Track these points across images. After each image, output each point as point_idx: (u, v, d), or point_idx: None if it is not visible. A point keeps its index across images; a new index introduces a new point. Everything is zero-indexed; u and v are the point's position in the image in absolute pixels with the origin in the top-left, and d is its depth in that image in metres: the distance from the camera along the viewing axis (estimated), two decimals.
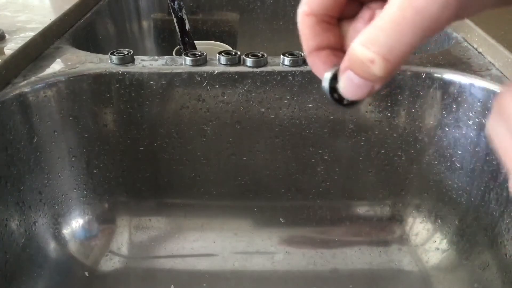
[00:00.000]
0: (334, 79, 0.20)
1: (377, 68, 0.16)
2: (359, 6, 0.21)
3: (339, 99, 0.20)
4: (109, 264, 0.51)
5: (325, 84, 0.20)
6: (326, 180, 0.54)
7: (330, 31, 0.21)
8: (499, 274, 0.44)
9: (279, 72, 0.48)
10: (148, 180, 0.54)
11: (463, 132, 0.47)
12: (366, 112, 0.50)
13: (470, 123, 0.46)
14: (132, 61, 0.48)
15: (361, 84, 0.18)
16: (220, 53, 0.48)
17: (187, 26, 0.64)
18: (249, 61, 0.48)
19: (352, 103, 0.20)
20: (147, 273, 0.51)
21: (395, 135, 0.51)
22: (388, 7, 0.16)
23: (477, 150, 0.46)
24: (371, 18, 0.20)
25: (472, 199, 0.48)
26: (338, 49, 0.21)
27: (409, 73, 0.47)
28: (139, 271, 0.51)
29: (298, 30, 0.21)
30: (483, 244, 0.47)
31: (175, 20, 0.64)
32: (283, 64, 0.48)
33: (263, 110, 0.50)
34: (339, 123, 0.50)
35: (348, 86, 0.18)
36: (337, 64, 0.20)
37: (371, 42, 0.16)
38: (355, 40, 0.17)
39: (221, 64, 0.48)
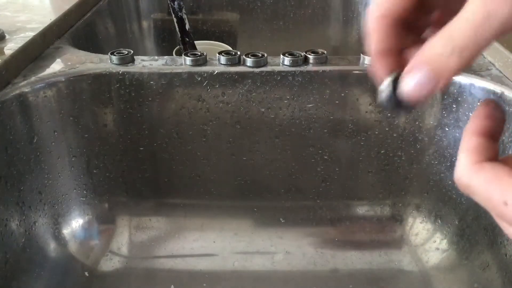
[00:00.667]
0: (394, 85, 0.21)
1: (454, 61, 0.18)
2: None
3: (396, 104, 0.21)
4: (109, 264, 0.51)
5: (386, 87, 0.21)
6: (326, 180, 0.54)
7: (402, 35, 0.22)
8: (499, 274, 0.44)
9: (279, 72, 0.48)
10: (148, 180, 0.54)
11: (463, 132, 0.47)
12: (366, 112, 0.50)
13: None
14: (132, 61, 0.48)
15: (429, 80, 0.19)
16: (220, 53, 0.48)
17: (187, 26, 0.64)
18: (249, 61, 0.48)
19: (407, 108, 0.21)
20: (147, 273, 0.51)
21: (395, 135, 0.51)
22: (462, 12, 0.18)
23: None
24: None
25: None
26: (404, 53, 0.22)
27: None
28: (139, 271, 0.51)
29: (367, 30, 0.21)
30: (483, 244, 0.47)
31: (175, 20, 0.64)
32: (283, 64, 0.48)
33: (263, 110, 0.50)
34: (339, 123, 0.50)
35: (414, 84, 0.19)
36: (396, 71, 0.21)
37: (449, 38, 0.18)
38: (431, 38, 0.18)
39: (221, 64, 0.48)
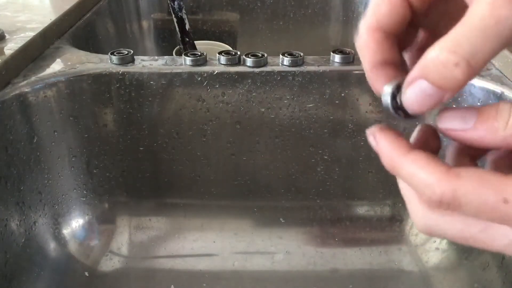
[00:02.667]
0: (395, 93, 0.19)
1: (460, 72, 0.16)
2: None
3: (400, 113, 0.20)
4: (109, 264, 0.51)
5: (386, 97, 0.20)
6: (326, 180, 0.54)
7: (395, 48, 0.21)
8: (499, 274, 0.44)
9: (279, 72, 0.48)
10: (148, 180, 0.54)
11: None
12: (366, 112, 0.50)
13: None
14: (132, 61, 0.49)
15: (433, 93, 0.17)
16: (220, 53, 0.48)
17: (187, 26, 0.64)
18: (249, 61, 0.48)
19: (413, 117, 0.20)
20: (147, 273, 0.51)
21: None
22: (468, 16, 0.16)
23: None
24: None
25: None
26: (400, 67, 0.21)
27: None
28: (139, 271, 0.51)
29: (359, 44, 0.21)
30: None
31: (175, 20, 0.64)
32: (283, 64, 0.48)
33: (263, 110, 0.50)
34: (339, 123, 0.50)
35: (417, 97, 0.18)
36: (395, 79, 0.20)
37: (455, 46, 0.16)
38: (430, 48, 0.17)
39: (221, 64, 0.48)
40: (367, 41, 0.20)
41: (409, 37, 0.22)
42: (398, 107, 0.19)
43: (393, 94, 0.20)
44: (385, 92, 0.20)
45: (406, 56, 0.22)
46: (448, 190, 0.17)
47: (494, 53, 0.16)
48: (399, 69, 0.21)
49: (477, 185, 0.16)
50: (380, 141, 0.19)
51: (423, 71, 0.17)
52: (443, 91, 0.17)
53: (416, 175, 0.18)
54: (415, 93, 0.18)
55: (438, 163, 0.17)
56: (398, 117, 0.20)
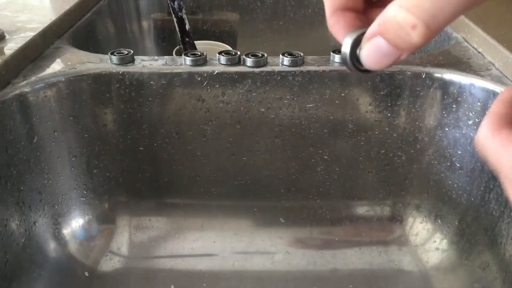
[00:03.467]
0: (355, 45, 0.19)
1: (417, 35, 0.16)
2: None
3: (357, 66, 0.19)
4: (109, 264, 0.51)
5: (346, 49, 0.19)
6: (326, 180, 0.54)
7: None
8: (499, 274, 0.44)
9: (279, 72, 0.48)
10: (148, 180, 0.54)
11: (463, 132, 0.47)
12: (366, 112, 0.50)
13: (470, 123, 0.46)
14: (132, 61, 0.49)
15: (389, 52, 0.17)
16: (220, 53, 0.48)
17: (187, 26, 0.64)
18: (249, 61, 0.48)
19: (368, 71, 0.19)
20: (147, 273, 0.51)
21: (395, 135, 0.51)
22: None
23: (477, 150, 0.46)
24: None
25: (472, 199, 0.48)
26: (362, 14, 0.20)
27: (409, 73, 0.47)
28: (139, 271, 0.51)
29: None
30: (483, 244, 0.47)
31: (175, 20, 0.64)
32: (283, 64, 0.48)
33: (263, 110, 0.50)
34: (339, 123, 0.50)
35: (374, 54, 0.17)
36: (359, 29, 0.19)
37: (414, 7, 0.15)
38: (391, 4, 0.16)
39: (221, 64, 0.48)
40: None
41: None
42: (356, 60, 0.19)
43: (353, 46, 0.19)
44: (345, 43, 0.19)
45: (371, 7, 0.21)
46: (482, 140, 0.17)
47: (456, 16, 0.15)
48: (360, 17, 0.20)
49: (501, 146, 0.16)
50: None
51: (381, 28, 0.17)
52: (399, 51, 0.17)
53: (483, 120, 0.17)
54: (372, 50, 0.17)
55: (498, 118, 0.17)
56: (354, 70, 0.20)
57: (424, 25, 0.15)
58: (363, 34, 0.18)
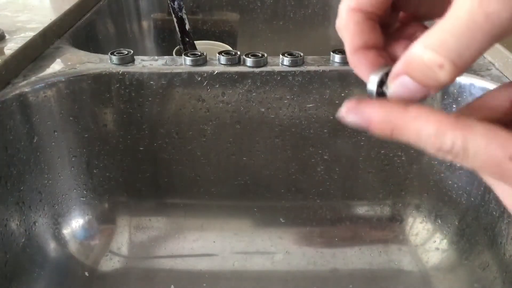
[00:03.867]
0: (381, 83, 0.19)
1: (444, 74, 0.16)
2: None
3: None
4: (109, 264, 0.51)
5: (372, 87, 0.19)
6: (326, 180, 0.54)
7: (377, 30, 0.20)
8: (499, 274, 0.44)
9: (279, 72, 0.48)
10: (148, 180, 0.54)
11: None
12: None
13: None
14: (132, 61, 0.49)
15: (416, 90, 0.17)
16: (220, 53, 0.48)
17: (187, 26, 0.64)
18: (249, 61, 0.48)
19: None
20: (147, 273, 0.51)
21: None
22: (455, 10, 0.15)
23: None
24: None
25: (472, 199, 0.48)
26: (383, 50, 0.20)
27: None
28: (139, 271, 0.51)
29: (338, 25, 0.20)
30: (483, 244, 0.47)
31: (175, 20, 0.64)
32: (283, 64, 0.48)
33: (263, 110, 0.50)
34: (339, 123, 0.50)
35: (401, 92, 0.17)
36: (384, 66, 0.19)
37: (440, 46, 0.15)
38: (416, 43, 0.16)
39: (221, 64, 0.48)
40: (346, 22, 0.20)
41: (391, 19, 0.21)
42: (382, 96, 0.19)
43: (379, 85, 0.19)
44: (371, 81, 0.19)
45: (389, 39, 0.21)
46: (459, 139, 0.16)
47: (482, 52, 0.15)
48: (382, 53, 0.20)
49: (486, 138, 0.15)
50: (367, 109, 0.18)
51: (407, 68, 0.17)
52: (426, 90, 0.17)
53: (424, 128, 0.16)
54: (400, 88, 0.17)
55: (443, 113, 0.16)
56: None
57: (451, 64, 0.15)
58: (387, 72, 0.18)
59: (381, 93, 0.19)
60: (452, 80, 0.16)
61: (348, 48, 0.20)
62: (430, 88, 0.17)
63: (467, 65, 0.16)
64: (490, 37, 0.15)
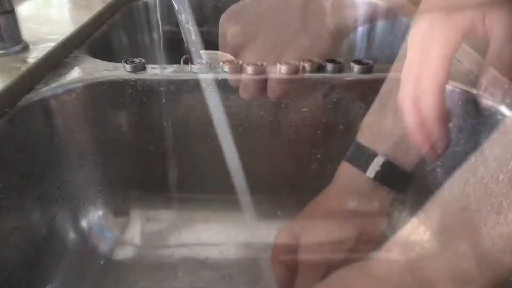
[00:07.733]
0: None
1: None
2: None
3: None
4: (123, 253, 0.52)
5: None
6: (320, 176, 0.54)
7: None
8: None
9: (277, 80, 0.48)
10: (158, 177, 0.54)
11: None
12: (362, 112, 0.50)
13: (450, 125, 0.47)
14: (143, 69, 0.49)
15: None
16: (223, 62, 0.49)
17: (194, 37, 0.65)
18: (249, 69, 0.48)
19: None
20: (158, 261, 0.51)
21: None
22: None
23: (456, 150, 0.47)
24: None
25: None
26: None
27: None
28: (150, 259, 0.51)
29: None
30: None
31: (182, 31, 0.64)
32: (280, 72, 0.48)
33: (262, 113, 0.50)
34: (331, 125, 0.51)
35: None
36: None
37: None
38: None
39: (224, 72, 0.49)
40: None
41: None
42: None
43: None
44: None
45: None
46: None
47: None
48: None
49: None
50: None
51: None
52: None
53: None
54: None
55: None
56: None
57: None
58: None
59: None
60: None
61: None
62: None
63: None
64: None
